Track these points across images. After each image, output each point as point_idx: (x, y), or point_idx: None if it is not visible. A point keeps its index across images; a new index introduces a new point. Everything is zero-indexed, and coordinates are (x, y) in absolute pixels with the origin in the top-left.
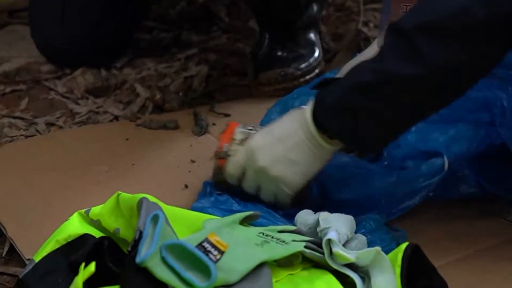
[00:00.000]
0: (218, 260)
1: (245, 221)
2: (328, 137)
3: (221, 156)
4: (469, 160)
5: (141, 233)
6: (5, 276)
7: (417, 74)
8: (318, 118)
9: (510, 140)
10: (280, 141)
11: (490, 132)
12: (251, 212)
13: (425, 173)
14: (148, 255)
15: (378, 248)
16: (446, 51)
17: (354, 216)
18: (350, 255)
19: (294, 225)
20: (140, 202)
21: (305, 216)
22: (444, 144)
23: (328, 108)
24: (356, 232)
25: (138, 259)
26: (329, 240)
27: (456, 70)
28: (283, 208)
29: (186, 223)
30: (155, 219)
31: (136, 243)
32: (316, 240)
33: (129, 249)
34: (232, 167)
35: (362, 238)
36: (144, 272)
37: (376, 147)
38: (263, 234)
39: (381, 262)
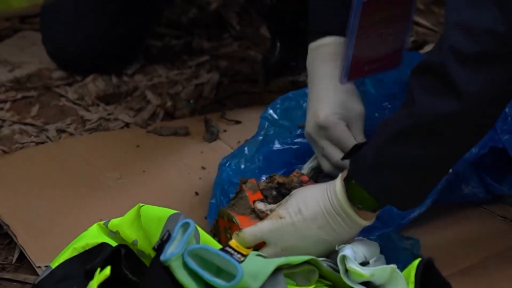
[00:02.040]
0: (241, 262)
1: None
2: (366, 207)
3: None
4: (473, 162)
5: (169, 234)
6: (14, 283)
7: (455, 110)
8: (357, 186)
9: (511, 145)
10: (315, 221)
11: (492, 136)
12: None
13: None
14: (173, 255)
15: (393, 265)
16: (481, 78)
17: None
18: (364, 271)
19: None
20: (177, 215)
21: None
22: None
23: (365, 169)
24: None
25: (163, 257)
26: (343, 257)
27: (495, 96)
28: None
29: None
30: (185, 226)
31: (164, 242)
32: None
33: (155, 246)
34: (249, 238)
35: (381, 257)
36: (167, 271)
37: (423, 197)
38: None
39: (397, 280)
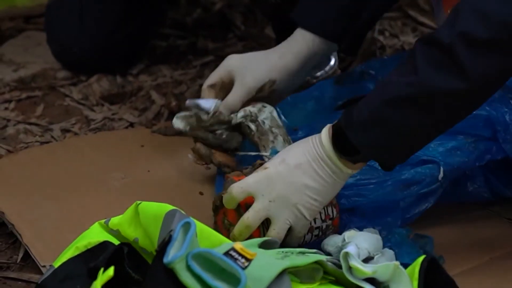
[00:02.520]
0: (246, 267)
1: (263, 247)
2: (350, 159)
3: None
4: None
5: (171, 236)
6: (19, 282)
7: (458, 88)
8: (346, 137)
9: None
10: (298, 168)
11: (489, 148)
12: (269, 238)
13: (419, 181)
14: (177, 258)
15: (396, 262)
16: (488, 63)
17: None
18: (366, 269)
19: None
20: (173, 212)
21: (333, 238)
22: (442, 154)
23: (359, 124)
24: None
25: (165, 260)
26: (346, 254)
27: (495, 81)
28: (295, 242)
29: (210, 240)
30: (187, 226)
31: (165, 244)
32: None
33: (157, 249)
34: (237, 191)
35: (389, 253)
36: (170, 273)
37: (404, 159)
38: (282, 252)
39: (400, 277)
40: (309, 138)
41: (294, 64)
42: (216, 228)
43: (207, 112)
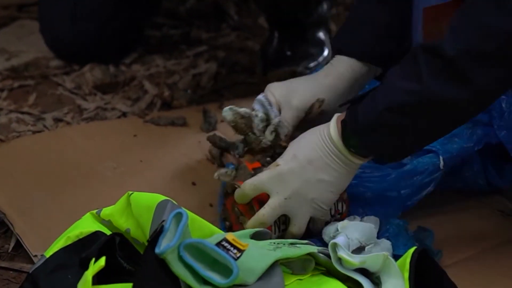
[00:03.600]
0: (238, 258)
1: (255, 238)
2: (358, 153)
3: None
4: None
5: (162, 226)
6: (11, 272)
7: (462, 98)
8: (351, 136)
9: (508, 141)
10: (310, 164)
11: (488, 132)
12: (261, 229)
13: (421, 171)
14: (168, 248)
15: (386, 253)
16: (493, 75)
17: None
18: (354, 259)
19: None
20: (165, 202)
21: (329, 227)
22: (440, 142)
23: (363, 128)
24: (379, 237)
25: (157, 250)
26: (335, 244)
27: (498, 90)
28: (318, 229)
29: (202, 231)
30: (178, 216)
31: (157, 235)
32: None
33: (149, 239)
34: (249, 188)
35: (386, 243)
36: (161, 263)
37: (406, 156)
38: (274, 243)
39: (390, 267)
40: (317, 130)
41: (340, 83)
42: (224, 209)
43: (263, 120)
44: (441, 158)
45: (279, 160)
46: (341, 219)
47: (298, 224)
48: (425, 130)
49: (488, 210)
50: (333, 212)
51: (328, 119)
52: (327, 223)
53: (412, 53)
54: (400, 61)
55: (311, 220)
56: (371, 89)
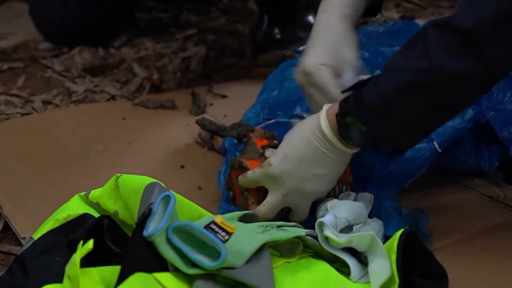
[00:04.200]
0: (226, 240)
1: (243, 220)
2: (357, 144)
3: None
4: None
5: (150, 209)
6: None
7: (473, 71)
8: (355, 125)
9: (496, 122)
10: (302, 162)
11: (478, 111)
12: (249, 212)
13: (419, 156)
14: (157, 231)
15: (372, 233)
16: (504, 49)
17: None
18: (340, 239)
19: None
20: (153, 185)
21: (321, 205)
22: None
23: (373, 112)
24: (371, 217)
25: (145, 233)
26: (321, 223)
27: (507, 64)
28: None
29: (190, 213)
30: (166, 199)
31: (145, 218)
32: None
33: (137, 222)
34: (248, 182)
35: (378, 222)
36: (149, 246)
37: (418, 141)
38: (262, 226)
39: (376, 247)
40: (306, 125)
41: (351, 21)
42: (229, 180)
43: None
44: (435, 142)
45: (272, 159)
46: None
47: (300, 215)
48: (438, 109)
49: (476, 196)
50: (337, 193)
51: None
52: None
53: (420, 32)
54: (406, 43)
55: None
56: (366, 79)
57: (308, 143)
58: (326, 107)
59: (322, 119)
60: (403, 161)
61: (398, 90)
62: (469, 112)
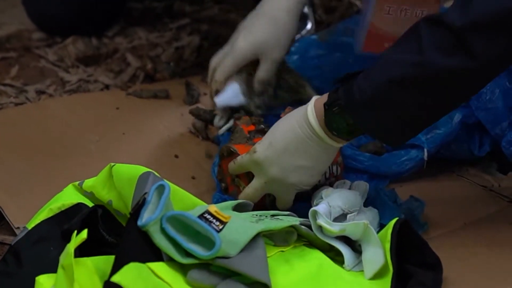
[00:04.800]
0: (220, 230)
1: (237, 209)
2: (343, 138)
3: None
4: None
5: (144, 199)
6: None
7: (465, 67)
8: (343, 116)
9: (488, 121)
10: (286, 151)
11: (465, 113)
12: (244, 201)
13: (411, 158)
14: (151, 221)
15: (366, 221)
16: (497, 46)
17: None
18: (333, 227)
19: None
20: (147, 174)
21: (316, 194)
22: (423, 134)
23: (362, 104)
24: (366, 205)
25: (139, 223)
26: (315, 212)
27: (503, 63)
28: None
29: (184, 203)
30: (161, 189)
31: (140, 207)
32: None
33: (131, 212)
34: (235, 168)
35: (373, 211)
36: (143, 235)
37: (404, 140)
38: (256, 215)
39: (369, 236)
40: (293, 116)
41: (298, 10)
42: (220, 171)
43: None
44: (425, 150)
45: (257, 146)
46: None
47: (283, 203)
48: (429, 105)
49: (471, 185)
50: (327, 175)
51: None
52: (325, 184)
53: (413, 28)
54: (399, 38)
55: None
56: (357, 71)
57: (293, 133)
58: (315, 97)
59: (310, 109)
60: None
61: (389, 83)
62: (457, 116)
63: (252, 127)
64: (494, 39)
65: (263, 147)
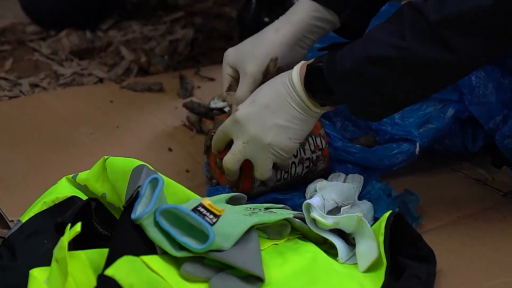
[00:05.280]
0: (214, 223)
1: (230, 202)
2: (319, 102)
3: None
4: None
5: (138, 192)
6: None
7: (443, 59)
8: (326, 81)
9: (481, 116)
10: (267, 108)
11: (458, 108)
12: (237, 193)
13: (402, 151)
14: (144, 214)
15: (359, 214)
16: (473, 43)
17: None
18: (327, 220)
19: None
20: (141, 167)
21: (310, 186)
22: (416, 128)
23: (340, 74)
24: (361, 199)
25: (133, 216)
26: (308, 205)
27: (481, 58)
28: (284, 169)
29: (178, 196)
30: (154, 182)
31: (133, 200)
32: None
33: (125, 205)
34: (217, 135)
35: (367, 204)
36: (137, 228)
37: (380, 117)
38: (250, 208)
39: (363, 229)
40: (279, 76)
41: (291, 35)
42: (209, 169)
43: None
44: (417, 144)
45: (240, 105)
46: (323, 156)
47: (260, 170)
48: (403, 88)
49: (465, 179)
50: (313, 147)
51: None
52: (312, 158)
53: (398, 11)
54: (387, 18)
55: (275, 166)
56: (345, 41)
57: (276, 90)
58: (303, 62)
59: (295, 69)
60: (385, 148)
61: (368, 59)
62: (450, 111)
63: None
64: (468, 36)
65: (245, 105)
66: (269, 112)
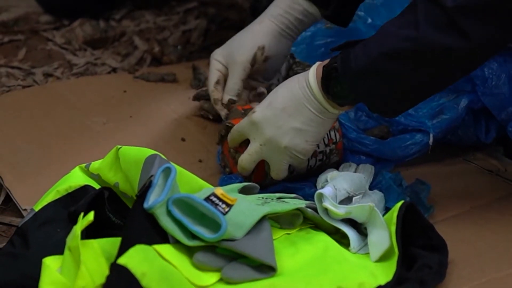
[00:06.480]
0: (226, 212)
1: (243, 192)
2: (338, 102)
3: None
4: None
5: (151, 181)
6: (0, 225)
7: (458, 46)
8: (340, 81)
9: (494, 107)
10: (284, 111)
11: (472, 98)
12: (249, 183)
13: (415, 142)
14: (157, 203)
15: (371, 204)
16: (488, 29)
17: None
18: (339, 210)
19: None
20: (153, 157)
21: (321, 176)
22: (429, 118)
23: (356, 71)
24: (372, 189)
25: (146, 205)
26: (320, 195)
27: (496, 44)
28: (301, 170)
29: (190, 185)
30: (167, 171)
31: (146, 190)
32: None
33: (138, 194)
34: (233, 134)
35: (378, 194)
36: (149, 217)
37: (396, 113)
38: (262, 198)
39: (375, 219)
40: (296, 78)
41: (275, 25)
42: (223, 157)
43: None
44: (431, 135)
45: (257, 107)
46: (337, 149)
47: (276, 171)
48: (420, 80)
49: (477, 170)
50: (326, 141)
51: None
52: (326, 151)
53: (411, 4)
54: (399, 13)
55: (291, 167)
56: (358, 40)
57: (292, 93)
58: (319, 62)
59: (311, 71)
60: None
61: (383, 54)
62: (463, 102)
63: (248, 106)
64: (484, 22)
65: (262, 107)
66: (286, 115)
